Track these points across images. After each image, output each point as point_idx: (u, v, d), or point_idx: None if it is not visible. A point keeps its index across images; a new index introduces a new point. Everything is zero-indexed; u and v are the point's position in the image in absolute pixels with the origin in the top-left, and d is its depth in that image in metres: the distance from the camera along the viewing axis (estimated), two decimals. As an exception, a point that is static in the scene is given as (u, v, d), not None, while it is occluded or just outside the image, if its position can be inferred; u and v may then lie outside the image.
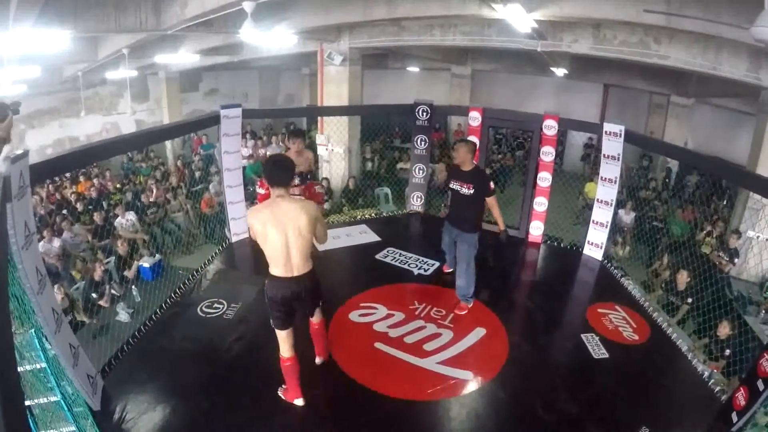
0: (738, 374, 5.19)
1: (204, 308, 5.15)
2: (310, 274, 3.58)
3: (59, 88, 13.65)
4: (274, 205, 3.42)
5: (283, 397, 3.93)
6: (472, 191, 5.00)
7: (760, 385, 3.55)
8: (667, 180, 13.26)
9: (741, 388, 3.79)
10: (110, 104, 15.47)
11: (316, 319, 4.05)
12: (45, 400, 3.42)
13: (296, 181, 5.19)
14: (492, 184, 5.07)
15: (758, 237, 7.59)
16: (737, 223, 8.68)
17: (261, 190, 5.69)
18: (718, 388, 4.40)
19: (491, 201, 5.12)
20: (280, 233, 3.37)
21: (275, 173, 3.47)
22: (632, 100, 15.28)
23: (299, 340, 3.82)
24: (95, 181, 12.21)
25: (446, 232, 5.53)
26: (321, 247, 5.94)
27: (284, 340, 3.69)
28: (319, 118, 11.79)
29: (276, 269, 3.48)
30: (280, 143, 14.06)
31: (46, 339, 3.30)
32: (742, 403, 3.71)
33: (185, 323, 4.96)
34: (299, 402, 3.86)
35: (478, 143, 6.81)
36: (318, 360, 4.29)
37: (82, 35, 7.74)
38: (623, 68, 12.69)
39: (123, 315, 7.16)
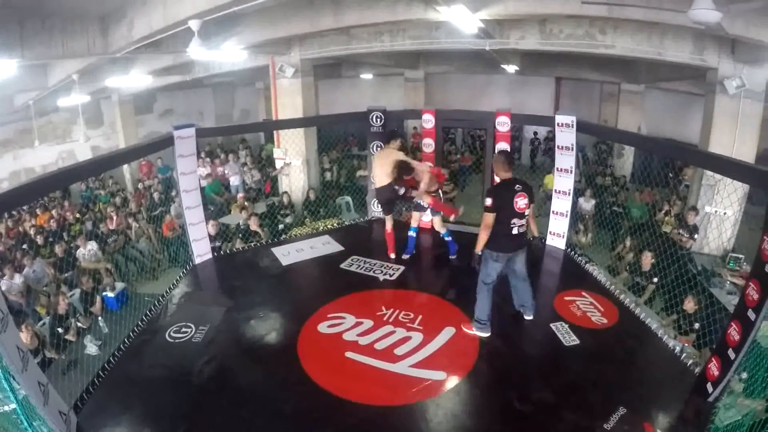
0: (709, 345, 5.34)
1: (172, 333, 5.08)
2: (390, 185, 6.07)
3: (11, 119, 13.28)
4: (380, 151, 6.48)
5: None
6: None
7: (731, 353, 3.67)
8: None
9: (713, 359, 3.91)
10: (64, 132, 15.05)
11: (388, 227, 6.44)
12: (17, 442, 3.33)
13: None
14: (486, 201, 4.74)
15: (715, 212, 7.84)
16: (694, 200, 8.91)
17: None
18: (690, 362, 4.52)
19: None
20: (378, 165, 6.17)
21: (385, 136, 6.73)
22: (584, 91, 15.62)
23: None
24: (54, 212, 11.90)
25: None
26: (285, 261, 6.58)
27: (387, 221, 6.44)
28: (275, 132, 11.70)
29: (377, 184, 6.27)
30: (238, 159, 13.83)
31: (14, 379, 3.21)
32: (716, 373, 3.84)
33: (154, 350, 4.88)
34: (392, 255, 6.45)
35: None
36: (391, 255, 6.45)
37: (31, 62, 7.56)
38: (573, 61, 12.93)
39: (91, 347, 7.01)
